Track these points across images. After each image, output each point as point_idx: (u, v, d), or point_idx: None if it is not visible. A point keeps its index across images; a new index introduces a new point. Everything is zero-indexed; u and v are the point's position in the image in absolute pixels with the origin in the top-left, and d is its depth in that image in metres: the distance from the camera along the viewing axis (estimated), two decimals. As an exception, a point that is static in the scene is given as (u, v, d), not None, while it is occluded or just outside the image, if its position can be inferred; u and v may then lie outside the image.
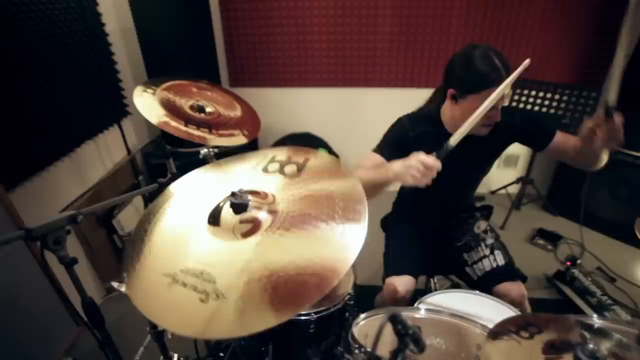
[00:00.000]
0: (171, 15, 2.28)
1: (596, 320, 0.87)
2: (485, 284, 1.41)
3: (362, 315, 1.05)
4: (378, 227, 1.75)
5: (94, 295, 2.12)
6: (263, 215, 0.83)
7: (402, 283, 1.40)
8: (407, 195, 1.70)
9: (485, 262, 1.46)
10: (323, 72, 2.87)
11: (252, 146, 2.93)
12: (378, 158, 1.32)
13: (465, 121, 1.12)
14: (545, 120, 1.39)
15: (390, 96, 2.85)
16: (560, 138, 1.36)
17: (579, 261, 2.25)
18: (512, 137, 1.41)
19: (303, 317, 1.26)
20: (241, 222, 0.84)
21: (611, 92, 1.18)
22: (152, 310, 0.72)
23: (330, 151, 2.92)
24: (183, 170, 2.06)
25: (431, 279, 1.77)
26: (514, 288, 1.37)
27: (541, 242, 2.59)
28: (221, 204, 0.90)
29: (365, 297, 1.52)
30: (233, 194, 0.91)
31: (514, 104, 2.64)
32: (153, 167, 2.67)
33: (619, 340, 0.62)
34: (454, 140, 1.12)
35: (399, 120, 1.43)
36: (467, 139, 1.31)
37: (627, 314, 1.95)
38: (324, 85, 2.91)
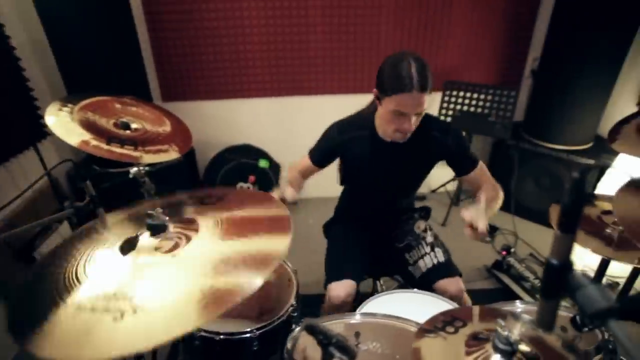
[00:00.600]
0: (87, 24, 2.09)
1: (519, 306, 0.91)
2: (427, 282, 1.45)
3: (298, 329, 1.02)
4: (321, 235, 1.74)
5: (9, 344, 1.88)
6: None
7: (343, 288, 1.39)
8: (347, 199, 1.71)
9: (427, 259, 1.50)
10: (258, 82, 2.83)
11: (189, 161, 2.81)
12: (307, 162, 1.53)
13: None
14: (471, 152, 1.51)
15: (326, 103, 2.88)
16: (477, 172, 1.48)
17: (513, 249, 2.40)
18: (442, 156, 1.47)
19: (246, 335, 1.21)
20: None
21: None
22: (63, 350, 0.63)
23: (271, 161, 2.89)
24: (113, 192, 1.91)
25: (377, 282, 1.79)
26: (452, 284, 1.42)
27: (479, 234, 2.73)
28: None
29: (310, 307, 1.49)
30: (149, 215, 0.86)
31: (445, 104, 2.80)
32: (80, 190, 2.45)
33: (532, 323, 0.65)
34: None
35: (330, 127, 1.49)
36: (399, 147, 1.37)
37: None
38: (260, 96, 2.87)
